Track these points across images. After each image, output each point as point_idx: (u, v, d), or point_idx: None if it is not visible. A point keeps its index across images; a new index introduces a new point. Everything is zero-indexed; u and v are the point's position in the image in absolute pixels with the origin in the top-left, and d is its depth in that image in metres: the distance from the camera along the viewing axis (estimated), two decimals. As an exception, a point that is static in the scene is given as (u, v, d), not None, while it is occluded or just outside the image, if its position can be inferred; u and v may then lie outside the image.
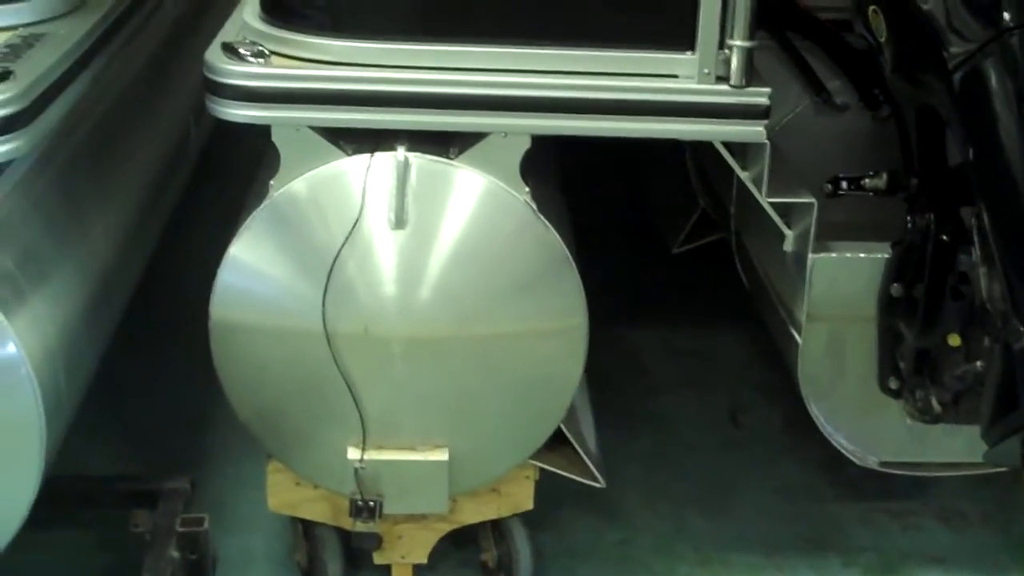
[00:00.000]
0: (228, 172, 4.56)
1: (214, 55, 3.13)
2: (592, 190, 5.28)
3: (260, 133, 3.15)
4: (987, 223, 2.89)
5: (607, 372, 4.33)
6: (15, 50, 3.00)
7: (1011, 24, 2.78)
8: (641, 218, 5.48)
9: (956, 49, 2.92)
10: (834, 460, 3.96)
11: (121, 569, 3.38)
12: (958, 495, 4.08)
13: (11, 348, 2.78)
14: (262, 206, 3.15)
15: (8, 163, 2.98)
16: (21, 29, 3.17)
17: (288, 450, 3.34)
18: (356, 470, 3.27)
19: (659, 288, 5.12)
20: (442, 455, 3.29)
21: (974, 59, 2.86)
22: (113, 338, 3.49)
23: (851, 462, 3.61)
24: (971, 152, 2.91)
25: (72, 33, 3.20)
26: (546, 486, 3.50)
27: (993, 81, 2.82)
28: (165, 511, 3.35)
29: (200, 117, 4.21)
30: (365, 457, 3.26)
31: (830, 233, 3.35)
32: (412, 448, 3.29)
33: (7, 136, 2.77)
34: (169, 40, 4.32)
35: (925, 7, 3.07)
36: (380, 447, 3.27)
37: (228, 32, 3.27)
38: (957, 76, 2.90)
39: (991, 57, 2.82)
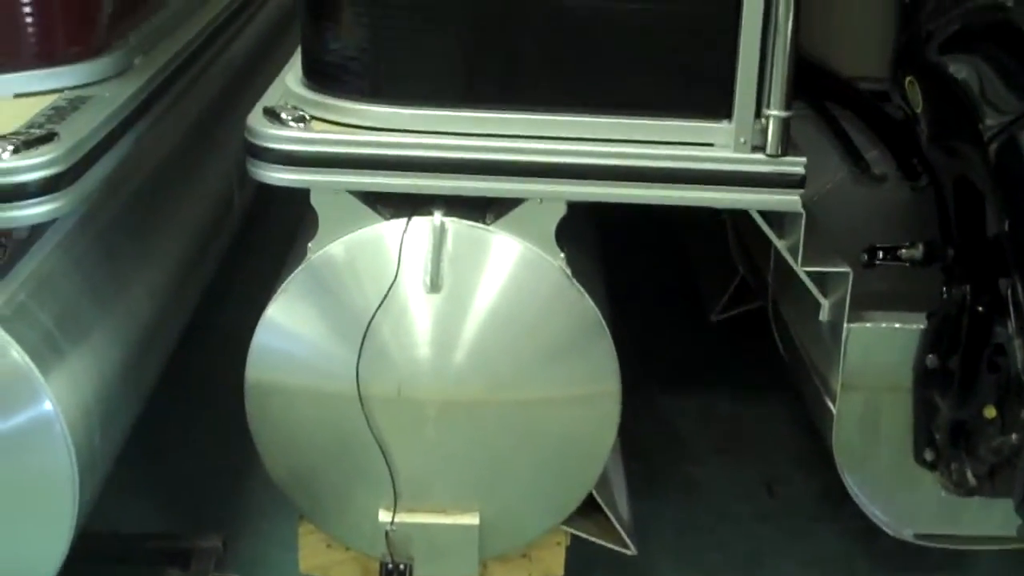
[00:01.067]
0: (271, 235, 4.61)
1: (256, 119, 3.18)
2: (633, 256, 5.30)
3: (301, 197, 3.20)
4: (1022, 295, 2.87)
5: (642, 439, 4.31)
6: (60, 112, 3.06)
7: (1048, 96, 2.78)
8: (681, 284, 5.48)
9: (991, 120, 2.92)
10: (870, 531, 3.91)
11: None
12: (995, 569, 4.02)
13: (47, 405, 2.82)
14: (299, 268, 3.19)
15: (51, 222, 3.03)
16: (67, 92, 3.22)
17: (320, 511, 3.36)
18: (387, 533, 3.28)
19: (697, 356, 5.10)
20: (473, 519, 3.29)
21: (1009, 130, 2.86)
22: (150, 397, 3.51)
23: (887, 534, 3.58)
24: (1007, 223, 2.90)
25: (117, 96, 3.26)
26: (578, 552, 3.49)
27: (1029, 152, 2.82)
28: (197, 570, 3.37)
29: (244, 181, 4.26)
30: (396, 520, 3.27)
31: (866, 303, 3.34)
32: (443, 511, 3.30)
33: (50, 196, 2.82)
34: (215, 104, 4.38)
35: (960, 78, 3.08)
36: (411, 510, 3.28)
37: (270, 97, 3.32)
38: (993, 147, 2.90)
39: (1027, 129, 2.82)
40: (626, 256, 4.66)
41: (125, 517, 3.79)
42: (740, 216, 4.11)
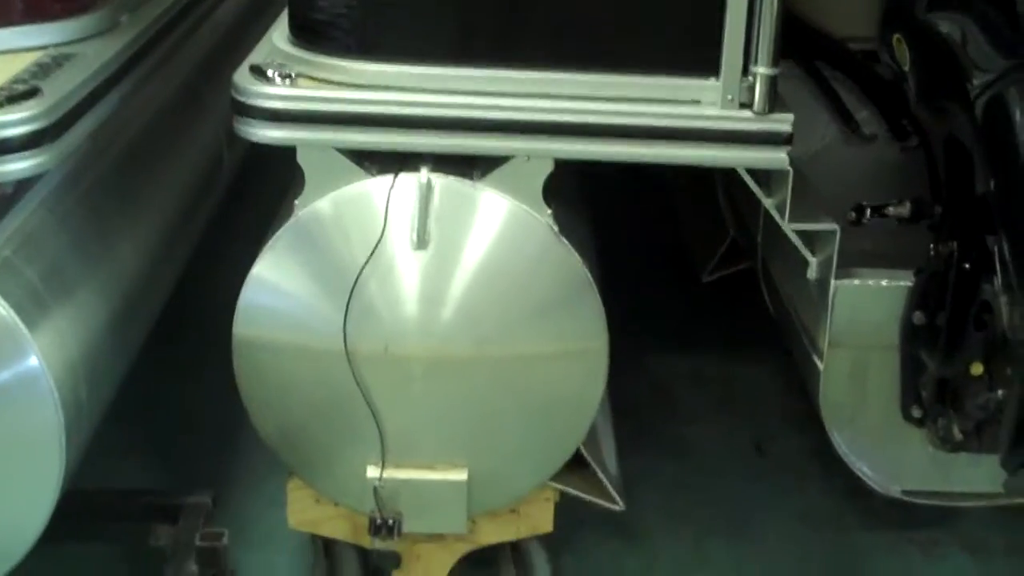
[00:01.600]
0: (263, 193, 4.60)
1: (242, 77, 3.17)
2: (623, 215, 5.30)
3: (290, 155, 3.20)
4: (1007, 251, 2.88)
5: (633, 399, 4.33)
6: (44, 69, 3.06)
7: (1033, 53, 2.78)
8: (671, 245, 5.48)
9: (978, 78, 2.92)
10: (859, 489, 3.92)
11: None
12: (984, 525, 4.05)
13: (33, 360, 2.82)
14: (286, 225, 3.19)
15: (36, 180, 3.03)
16: (51, 49, 3.22)
17: (309, 468, 3.36)
18: (375, 488, 3.28)
19: (688, 315, 5.11)
20: (461, 475, 3.30)
21: (995, 87, 2.85)
22: (139, 354, 3.52)
23: (875, 491, 3.59)
24: (992, 181, 2.90)
25: (102, 54, 3.25)
26: (567, 509, 3.51)
27: (1014, 109, 2.82)
28: (186, 526, 3.38)
29: (233, 139, 4.25)
30: (385, 476, 3.27)
31: (854, 261, 3.34)
32: (431, 467, 3.30)
33: (32, 151, 2.82)
34: (203, 63, 4.37)
35: (947, 36, 3.08)
36: (400, 466, 3.29)
37: (257, 54, 3.30)
38: (979, 105, 2.90)
39: (1013, 86, 2.81)
40: (617, 216, 4.66)
41: (113, 474, 3.81)
42: (730, 175, 4.10)
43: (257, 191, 4.93)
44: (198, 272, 4.26)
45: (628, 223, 5.36)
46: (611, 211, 4.22)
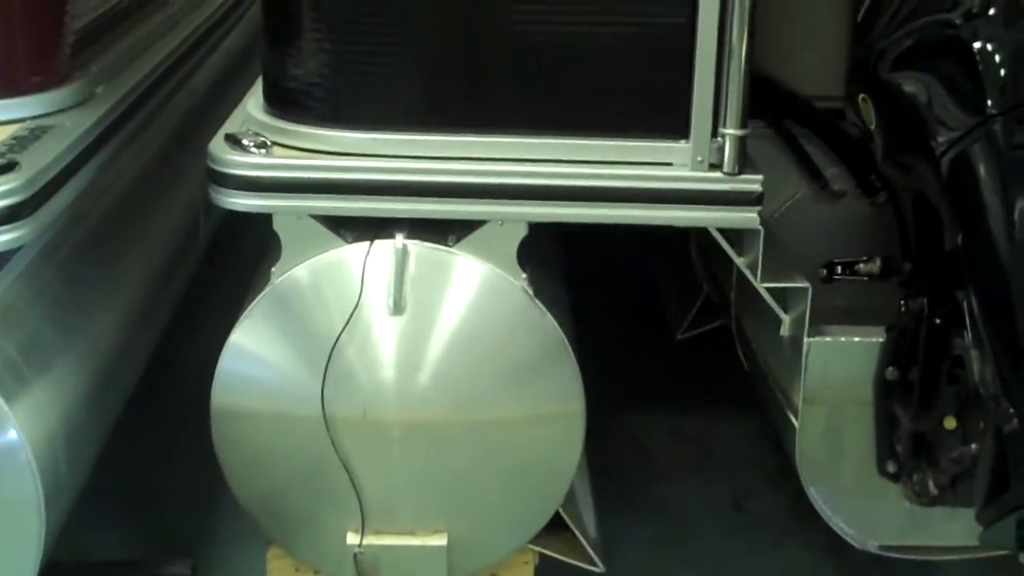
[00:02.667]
0: (239, 261, 4.62)
1: (218, 146, 3.20)
2: (597, 277, 5.32)
3: (266, 223, 3.22)
4: (975, 306, 2.91)
5: (610, 457, 4.33)
6: (21, 142, 3.08)
7: (994, 111, 2.82)
8: (646, 304, 5.51)
9: (942, 136, 2.96)
10: (838, 545, 3.94)
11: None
12: (962, 578, 4.06)
13: (11, 434, 2.83)
14: (263, 293, 3.21)
15: (14, 252, 3.04)
16: (29, 121, 3.24)
17: (288, 535, 3.37)
18: (355, 555, 3.29)
19: (664, 374, 5.13)
20: (441, 540, 3.31)
21: (960, 145, 2.90)
22: (117, 424, 3.52)
23: (854, 546, 3.61)
24: (960, 237, 2.94)
25: (79, 125, 3.28)
26: (546, 571, 3.51)
27: (979, 167, 2.86)
28: (166, 596, 3.37)
29: (209, 207, 4.27)
30: (364, 542, 3.28)
31: (826, 318, 3.37)
32: (411, 533, 3.31)
33: (11, 225, 2.84)
34: (179, 132, 4.39)
35: (912, 95, 3.13)
36: (379, 532, 3.30)
37: (232, 123, 3.34)
38: (944, 162, 2.94)
39: (976, 143, 2.86)
40: (591, 277, 4.68)
41: (92, 546, 3.79)
42: (703, 234, 4.14)
43: (234, 257, 4.97)
44: (175, 340, 4.26)
45: (601, 283, 5.38)
46: (584, 271, 4.24)
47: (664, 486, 4.51)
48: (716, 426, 4.84)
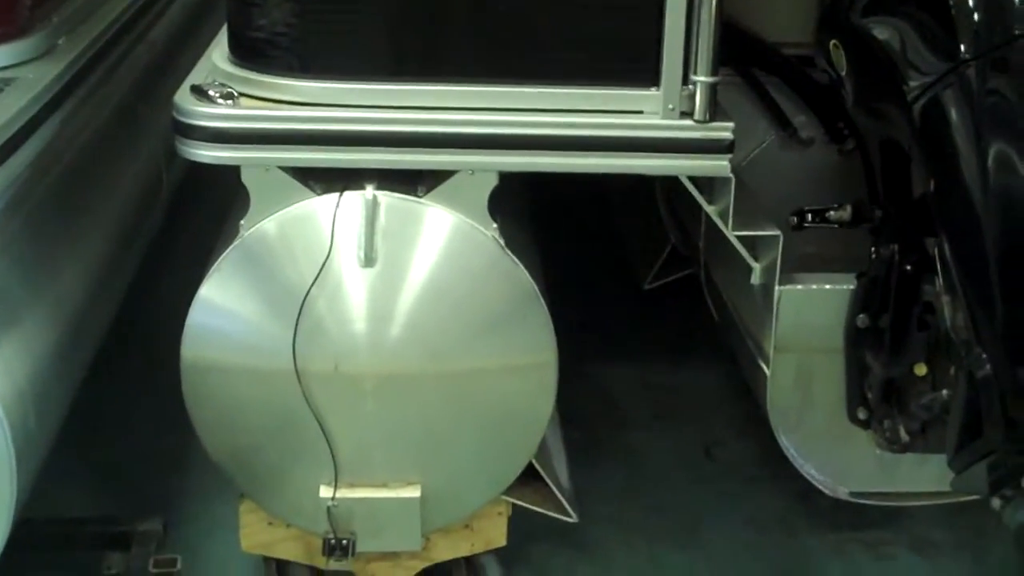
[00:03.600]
0: (202, 213, 4.59)
1: (184, 97, 3.15)
2: (564, 227, 5.31)
3: (232, 175, 3.18)
4: (948, 252, 2.92)
5: (580, 408, 4.34)
6: (-17, 95, 3.03)
7: (967, 56, 2.81)
8: (614, 253, 5.50)
9: (914, 81, 2.95)
10: (807, 491, 3.97)
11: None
12: (931, 524, 4.09)
13: (-19, 391, 2.79)
14: (232, 246, 3.17)
15: (-22, 207, 3.00)
16: (-10, 74, 3.19)
17: (261, 489, 3.35)
18: (328, 508, 3.27)
19: (631, 324, 5.13)
20: (414, 492, 3.30)
21: (932, 90, 2.89)
22: (85, 379, 3.49)
23: (823, 493, 3.63)
24: (932, 183, 2.94)
25: (41, 77, 3.23)
26: (520, 522, 3.51)
27: (951, 112, 2.85)
28: (138, 553, 3.35)
29: (172, 160, 4.23)
30: (337, 495, 3.27)
31: (797, 265, 3.37)
32: (384, 485, 3.30)
33: (-24, 179, 2.79)
34: (140, 83, 4.34)
35: (883, 40, 3.12)
36: (352, 485, 3.28)
37: (197, 74, 3.29)
38: (916, 108, 2.94)
39: (949, 89, 2.85)
40: (557, 228, 4.66)
41: (62, 503, 3.77)
42: (670, 184, 4.14)
43: (196, 211, 4.93)
44: (140, 293, 4.22)
45: (568, 235, 5.36)
46: (551, 223, 4.22)
47: (633, 435, 4.53)
48: (684, 375, 4.85)
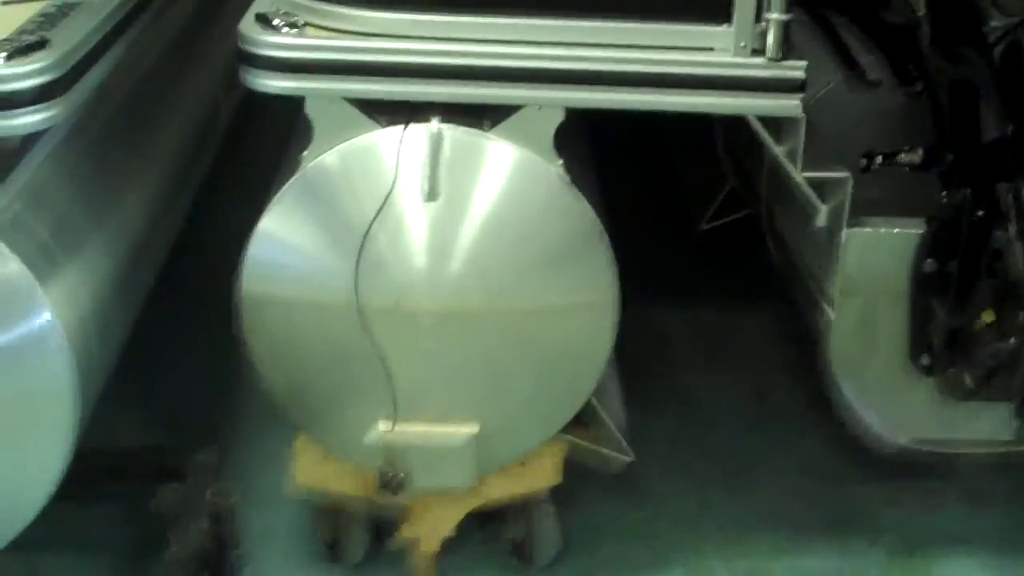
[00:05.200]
0: (256, 146, 4.57)
1: (248, 26, 3.11)
2: (621, 167, 5.26)
3: (289, 107, 3.14)
4: (1025, 197, 2.87)
5: (631, 350, 4.29)
6: (50, 19, 2.98)
7: (1054, -3, 2.76)
8: (670, 195, 5.46)
9: (997, 23, 2.90)
10: (858, 438, 3.95)
11: (149, 541, 3.37)
12: (983, 475, 4.04)
13: (46, 316, 2.78)
14: (293, 179, 3.14)
15: (43, 132, 2.97)
16: (56, -4, 3.15)
17: (317, 423, 3.34)
18: (385, 443, 3.25)
19: (685, 266, 5.09)
20: (472, 429, 3.28)
21: (1015, 33, 2.83)
22: (143, 308, 3.47)
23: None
24: (1010, 127, 2.88)
25: (107, 2, 3.18)
26: (569, 464, 3.48)
27: (1036, 55, 2.80)
28: (194, 484, 3.34)
29: (229, 89, 4.20)
30: (395, 431, 3.25)
31: (863, 209, 3.32)
32: (441, 422, 3.28)
33: (43, 105, 2.75)
34: (198, 12, 4.30)
35: (966, -20, 3.05)
36: (409, 421, 3.26)
37: (261, 3, 3.24)
38: (998, 50, 2.88)
39: (1033, 31, 2.80)
40: (615, 169, 4.62)
41: (116, 432, 3.76)
42: (731, 125, 4.08)
43: (252, 142, 4.90)
44: (196, 224, 4.20)
45: (624, 176, 5.31)
46: (608, 164, 4.18)
47: (685, 377, 4.50)
48: (737, 317, 4.81)
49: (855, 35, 3.91)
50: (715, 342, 4.70)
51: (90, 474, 3.33)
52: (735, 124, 3.28)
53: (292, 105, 3.15)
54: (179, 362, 4.33)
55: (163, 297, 3.80)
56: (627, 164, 5.44)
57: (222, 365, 3.75)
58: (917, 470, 4.00)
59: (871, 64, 3.81)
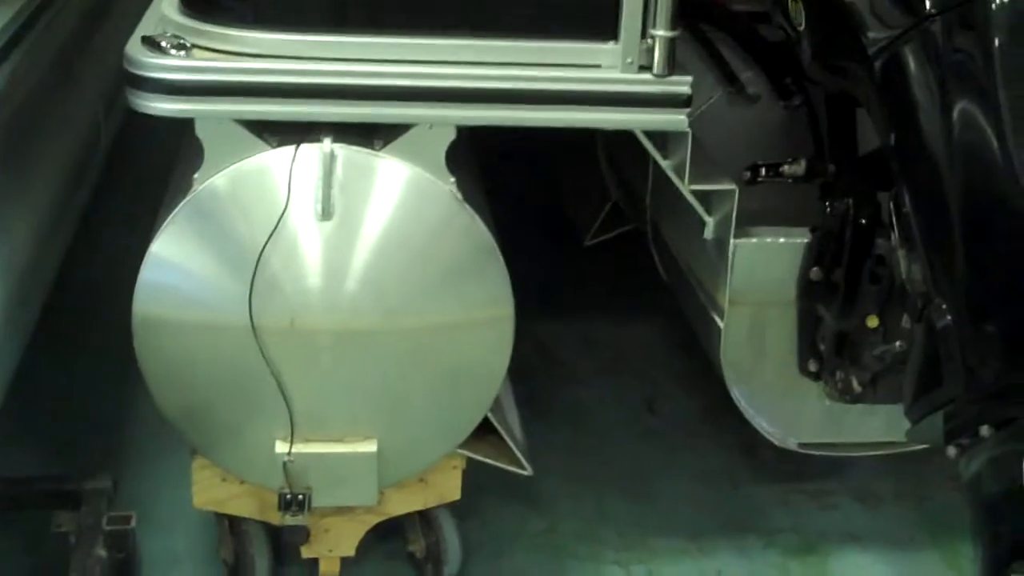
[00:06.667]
0: (138, 166, 4.51)
1: (135, 48, 3.08)
2: (506, 183, 5.29)
3: (175, 128, 3.11)
4: (908, 206, 2.95)
5: (524, 364, 4.33)
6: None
7: (932, 11, 2.83)
8: (554, 211, 5.50)
9: (876, 35, 2.97)
10: (751, 445, 4.05)
11: (46, 570, 3.32)
12: (872, 475, 4.16)
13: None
14: (185, 201, 3.11)
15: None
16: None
17: (215, 446, 3.30)
18: (284, 463, 3.24)
19: (572, 280, 5.14)
20: (371, 446, 3.28)
21: (895, 45, 2.91)
22: (31, 337, 3.42)
23: (767, 446, 3.68)
24: (892, 137, 2.96)
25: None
26: (469, 476, 3.51)
27: (914, 67, 2.87)
28: (89, 511, 3.29)
29: (110, 111, 4.14)
30: (293, 450, 3.24)
31: (749, 220, 3.39)
32: (341, 440, 3.28)
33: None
34: (75, 34, 4.23)
35: (844, -6, 3.13)
36: (308, 440, 3.25)
37: (147, 25, 3.22)
38: (878, 63, 2.95)
39: (912, 43, 2.87)
40: (500, 186, 4.65)
41: (8, 463, 3.70)
42: (614, 140, 4.14)
43: (135, 163, 4.85)
44: (81, 250, 4.14)
45: (509, 191, 5.35)
46: (492, 179, 4.21)
47: (577, 390, 4.54)
48: (626, 330, 4.87)
49: (733, 50, 3.99)
50: (605, 354, 4.75)
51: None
52: (618, 140, 3.33)
53: (177, 125, 3.12)
54: (72, 389, 4.26)
55: (52, 323, 3.74)
56: (512, 179, 5.48)
57: (116, 390, 3.70)
58: (809, 472, 4.10)
59: (750, 79, 3.90)
